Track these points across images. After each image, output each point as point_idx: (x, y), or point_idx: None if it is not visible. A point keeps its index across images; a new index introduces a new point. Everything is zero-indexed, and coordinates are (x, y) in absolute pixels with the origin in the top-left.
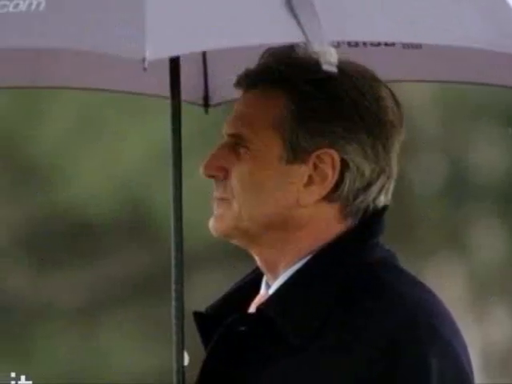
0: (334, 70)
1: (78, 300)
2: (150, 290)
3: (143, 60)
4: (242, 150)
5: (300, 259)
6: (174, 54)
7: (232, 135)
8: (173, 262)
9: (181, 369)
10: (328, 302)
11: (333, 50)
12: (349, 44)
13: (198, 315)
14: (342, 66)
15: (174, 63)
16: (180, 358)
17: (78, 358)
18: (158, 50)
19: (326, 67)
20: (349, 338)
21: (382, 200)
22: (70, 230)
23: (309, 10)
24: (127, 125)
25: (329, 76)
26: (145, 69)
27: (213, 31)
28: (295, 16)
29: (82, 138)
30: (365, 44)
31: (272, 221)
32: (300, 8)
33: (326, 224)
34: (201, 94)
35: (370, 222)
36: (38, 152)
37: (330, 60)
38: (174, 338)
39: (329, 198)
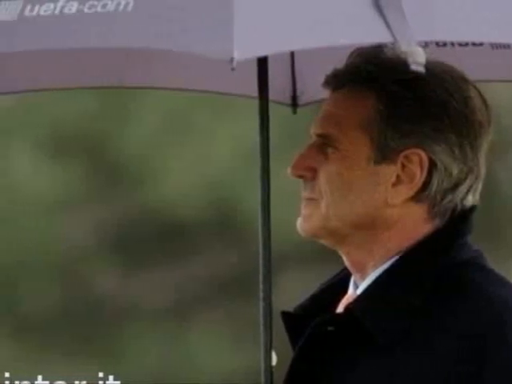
0: (422, 70)
1: (166, 300)
2: (237, 289)
3: (232, 60)
4: (330, 150)
5: (388, 259)
6: (261, 54)
7: (320, 135)
8: (261, 261)
9: (269, 369)
10: (416, 302)
11: (421, 50)
12: (437, 44)
13: (286, 315)
14: (430, 66)
15: (262, 63)
16: (268, 358)
17: (165, 357)
18: (246, 50)
19: (414, 67)
20: (436, 338)
21: (470, 200)
22: (159, 229)
23: (397, 10)
24: (215, 124)
25: (417, 76)
26: (233, 69)
27: (301, 31)
28: (383, 16)
29: (171, 138)
30: (453, 44)
31: (360, 221)
32: (388, 8)
33: (414, 224)
34: (289, 93)
35: (457, 222)
36: (127, 152)
37: (418, 60)
38: (262, 337)
39: (417, 197)
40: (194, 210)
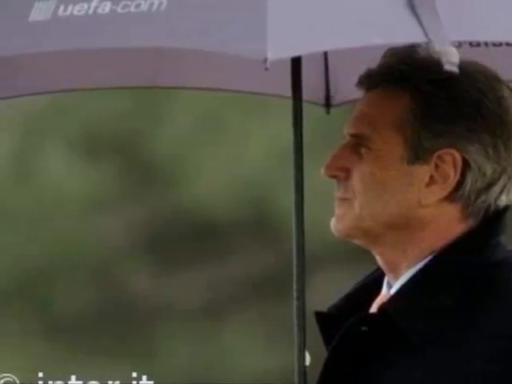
0: (455, 69)
1: (200, 300)
2: (271, 289)
3: (265, 60)
4: (363, 150)
5: (421, 259)
6: (295, 54)
7: (353, 135)
8: (294, 261)
9: (302, 369)
10: (449, 302)
11: (454, 50)
12: (470, 44)
13: (319, 315)
14: (463, 65)
15: (296, 63)
16: (301, 358)
17: (199, 357)
18: (279, 50)
19: (447, 67)
20: (470, 337)
21: (504, 200)
22: (192, 229)
23: (431, 9)
24: (248, 124)
25: (450, 76)
26: (266, 69)
27: (334, 31)
28: (417, 16)
29: (204, 138)
30: (486, 44)
31: (394, 221)
32: (421, 8)
33: (448, 224)
34: (322, 93)
35: (491, 222)
36: (160, 152)
37: (451, 60)
38: (296, 337)
39: (450, 198)
40: (227, 209)
